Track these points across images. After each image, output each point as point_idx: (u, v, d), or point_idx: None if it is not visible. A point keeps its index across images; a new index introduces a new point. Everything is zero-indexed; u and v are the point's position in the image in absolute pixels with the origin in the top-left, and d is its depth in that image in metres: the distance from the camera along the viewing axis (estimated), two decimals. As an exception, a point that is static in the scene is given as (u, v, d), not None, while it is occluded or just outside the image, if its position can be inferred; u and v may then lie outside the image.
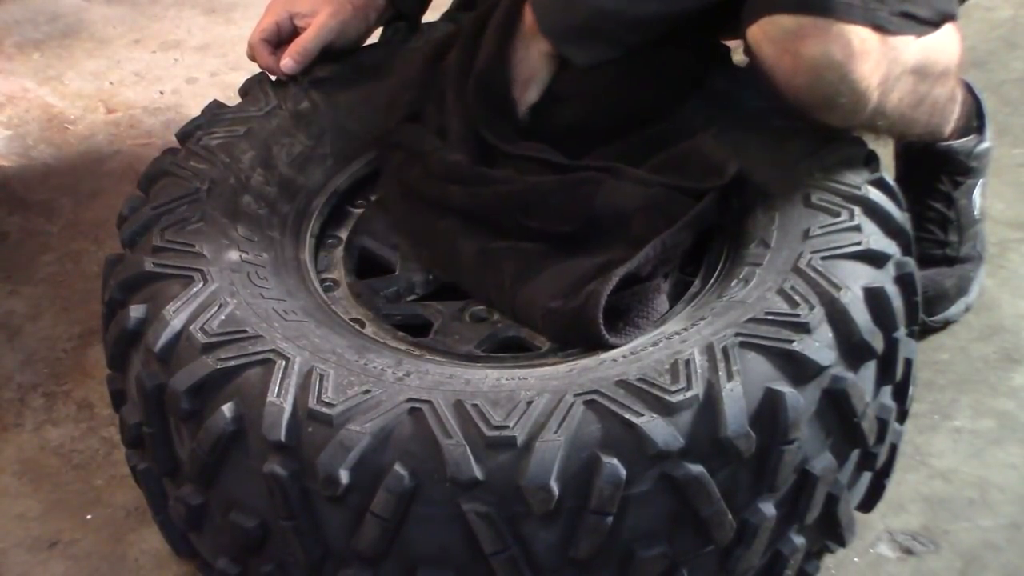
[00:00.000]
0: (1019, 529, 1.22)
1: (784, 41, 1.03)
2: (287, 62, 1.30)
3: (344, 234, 1.25)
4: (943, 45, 1.13)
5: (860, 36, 1.02)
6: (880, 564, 1.20)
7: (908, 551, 1.21)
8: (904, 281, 1.07)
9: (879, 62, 1.04)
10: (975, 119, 1.42)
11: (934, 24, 1.08)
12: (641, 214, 1.08)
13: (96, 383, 1.42)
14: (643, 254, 1.05)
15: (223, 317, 1.01)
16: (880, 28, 1.03)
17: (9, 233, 1.65)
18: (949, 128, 1.32)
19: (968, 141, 1.41)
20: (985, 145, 1.44)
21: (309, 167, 1.25)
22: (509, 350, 1.10)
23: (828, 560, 1.19)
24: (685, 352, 0.96)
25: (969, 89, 1.39)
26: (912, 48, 1.07)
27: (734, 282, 1.05)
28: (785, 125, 1.16)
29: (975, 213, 1.47)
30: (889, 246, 1.06)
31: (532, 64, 1.21)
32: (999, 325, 1.47)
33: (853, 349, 0.99)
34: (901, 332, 1.04)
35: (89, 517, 1.28)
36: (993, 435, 1.34)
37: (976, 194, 1.46)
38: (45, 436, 1.37)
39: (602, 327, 1.02)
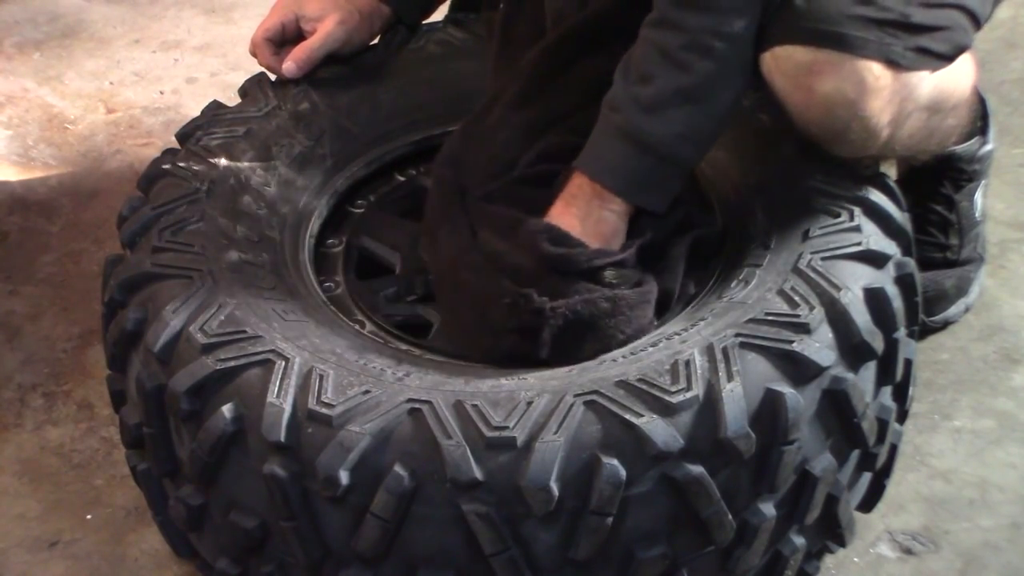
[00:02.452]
0: (1019, 529, 1.22)
1: (797, 75, 1.02)
2: (290, 65, 1.30)
3: (344, 235, 1.25)
4: (957, 78, 1.11)
5: (874, 73, 1.01)
6: (880, 564, 1.20)
7: (908, 551, 1.21)
8: (904, 282, 1.07)
9: (891, 99, 1.03)
10: (979, 120, 1.42)
11: (949, 58, 1.06)
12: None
13: (96, 383, 1.41)
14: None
15: (223, 317, 1.01)
16: (894, 64, 1.01)
17: (9, 233, 1.65)
18: (951, 142, 1.32)
19: (972, 145, 1.41)
20: (988, 147, 1.44)
21: (309, 168, 1.25)
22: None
23: (828, 560, 1.19)
24: (685, 352, 0.95)
25: (975, 90, 1.39)
26: (926, 84, 1.05)
27: (734, 283, 1.05)
28: (783, 124, 1.16)
29: (976, 215, 1.46)
30: (889, 246, 1.06)
31: None
32: (999, 325, 1.47)
33: (853, 350, 0.99)
34: (901, 332, 1.04)
35: (89, 517, 1.28)
36: (993, 435, 1.34)
37: (978, 195, 1.46)
38: (45, 436, 1.37)
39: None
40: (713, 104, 1.05)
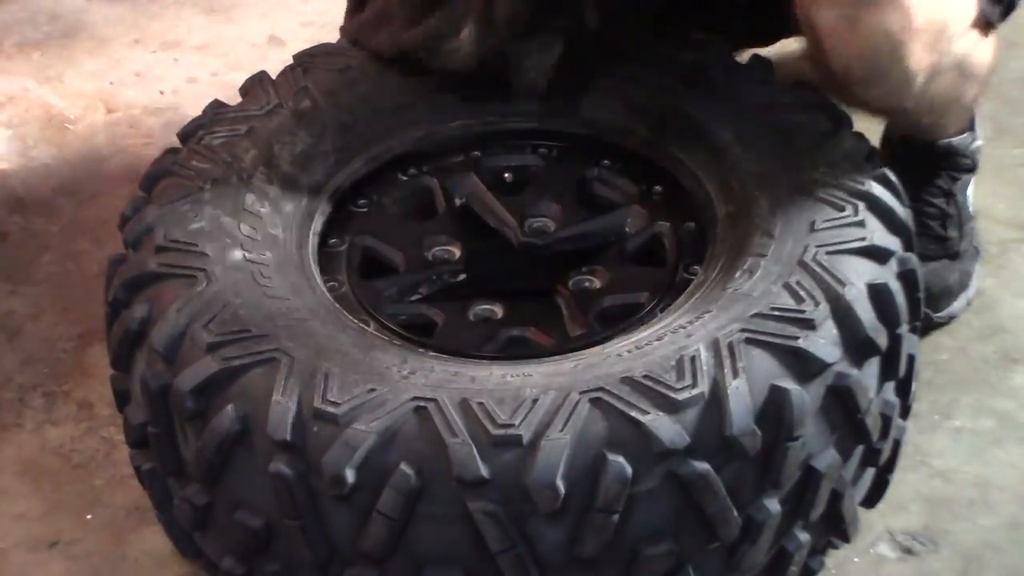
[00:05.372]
0: (1019, 529, 1.22)
1: (845, 6, 1.02)
2: None
3: (347, 234, 1.25)
4: (985, 52, 1.15)
5: (919, 14, 1.02)
6: (880, 564, 1.20)
7: (908, 551, 1.21)
8: (907, 277, 1.07)
9: (932, 46, 1.05)
10: (968, 121, 1.43)
11: (1001, 16, 1.09)
12: None
13: (96, 383, 1.41)
14: None
15: (227, 316, 1.01)
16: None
17: (9, 233, 1.64)
18: (951, 130, 1.34)
19: (966, 138, 1.43)
20: (979, 142, 1.46)
21: (311, 165, 1.25)
22: (514, 351, 1.11)
23: (828, 560, 1.19)
24: (690, 348, 0.96)
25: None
26: (962, 43, 1.09)
27: (738, 273, 1.05)
28: (788, 118, 1.16)
29: (970, 208, 1.48)
30: (892, 242, 1.07)
31: None
32: (999, 325, 1.47)
33: (858, 346, 0.99)
34: (904, 328, 1.05)
35: (89, 517, 1.28)
36: (993, 435, 1.34)
37: (969, 190, 1.47)
38: (45, 436, 1.37)
39: None
40: None
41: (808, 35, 1.07)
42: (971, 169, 1.45)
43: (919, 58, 1.05)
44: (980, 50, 1.15)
